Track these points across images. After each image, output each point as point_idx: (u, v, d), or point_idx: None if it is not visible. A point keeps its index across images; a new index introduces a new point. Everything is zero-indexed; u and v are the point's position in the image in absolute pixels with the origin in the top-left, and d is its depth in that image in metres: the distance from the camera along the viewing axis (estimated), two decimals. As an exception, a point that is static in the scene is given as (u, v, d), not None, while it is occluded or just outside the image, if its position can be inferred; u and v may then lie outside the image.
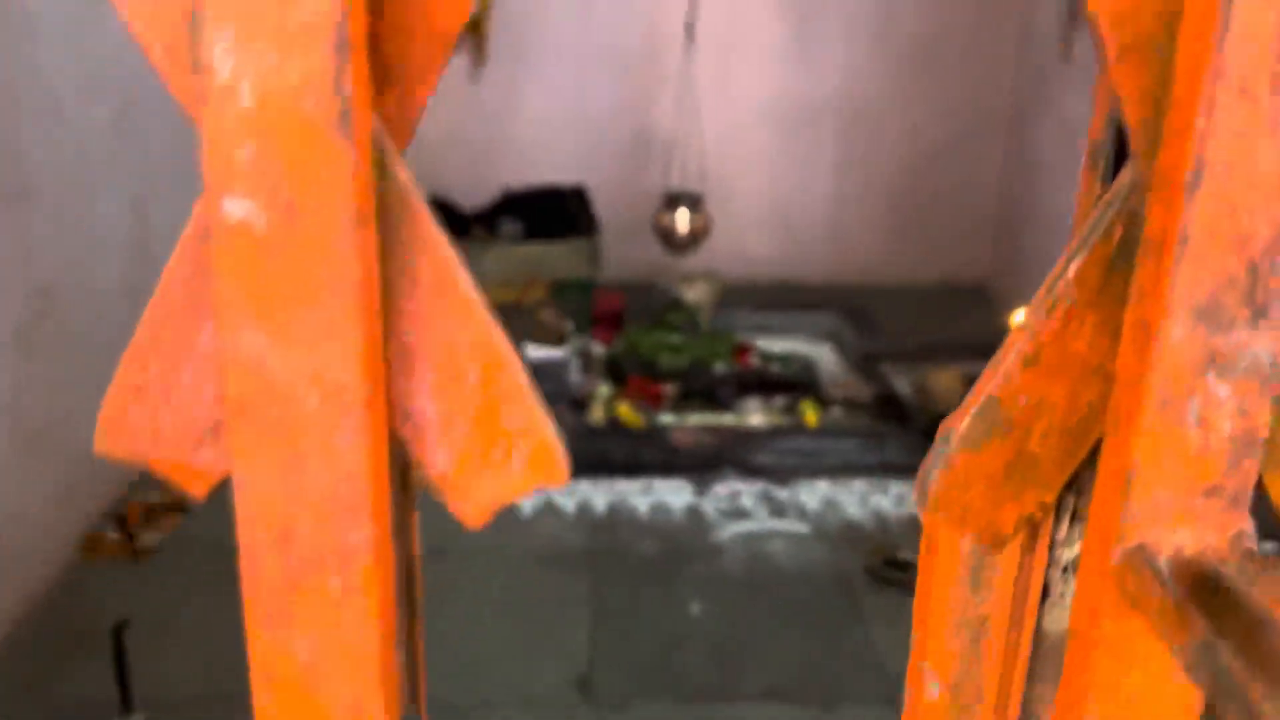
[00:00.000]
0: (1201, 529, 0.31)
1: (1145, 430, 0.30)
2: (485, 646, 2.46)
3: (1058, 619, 0.40)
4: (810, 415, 3.26)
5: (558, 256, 4.61)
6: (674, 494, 3.08)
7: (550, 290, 4.61)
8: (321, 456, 0.29)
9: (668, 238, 3.73)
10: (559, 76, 4.79)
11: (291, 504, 0.30)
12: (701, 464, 3.21)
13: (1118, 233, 0.31)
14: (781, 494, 3.10)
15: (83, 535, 2.73)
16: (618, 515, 2.99)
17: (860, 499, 3.07)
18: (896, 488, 3.12)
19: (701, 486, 3.12)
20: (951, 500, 0.35)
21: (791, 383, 3.66)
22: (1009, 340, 0.34)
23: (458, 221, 4.82)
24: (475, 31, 4.71)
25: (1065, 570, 0.39)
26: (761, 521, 2.97)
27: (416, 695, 0.38)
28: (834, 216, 4.97)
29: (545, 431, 0.32)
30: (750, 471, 3.20)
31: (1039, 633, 0.39)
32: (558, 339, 3.78)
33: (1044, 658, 0.41)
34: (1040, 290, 0.33)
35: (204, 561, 2.70)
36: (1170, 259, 0.28)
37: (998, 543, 0.36)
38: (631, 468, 3.19)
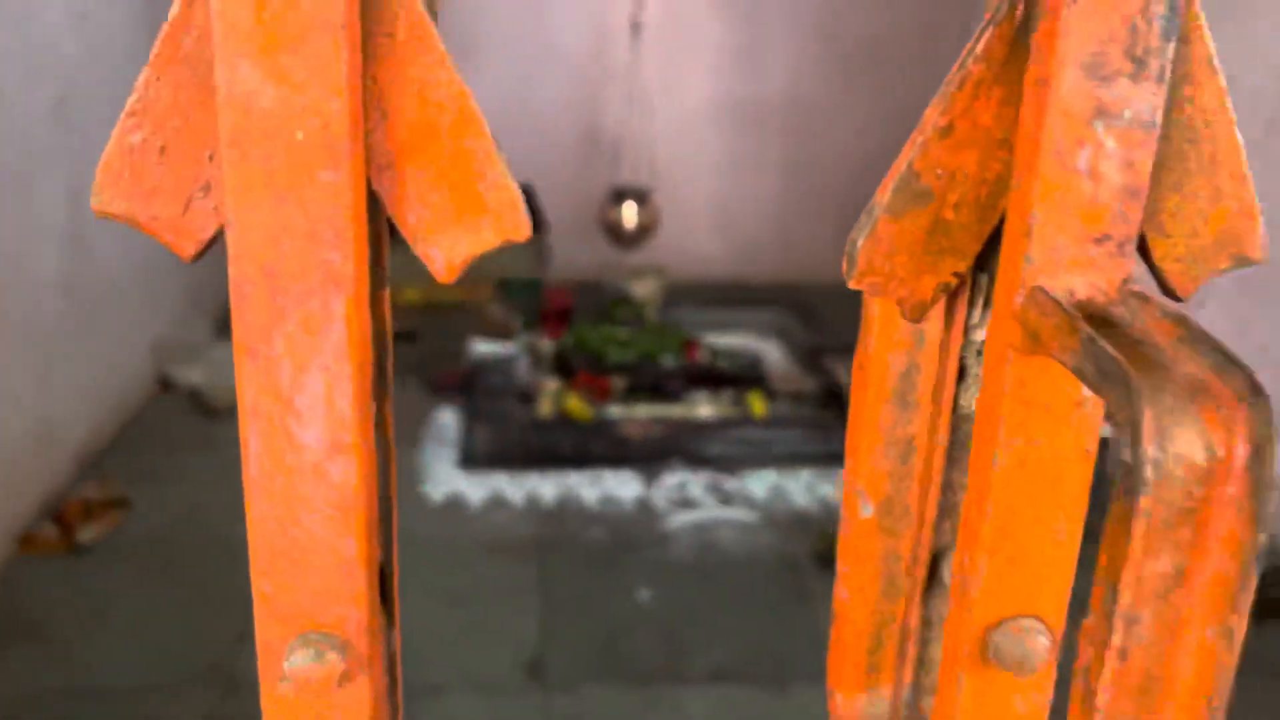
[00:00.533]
0: (1093, 274, 0.35)
1: (1042, 179, 0.34)
2: (434, 634, 2.46)
3: (972, 398, 0.44)
4: (757, 406, 3.32)
5: (505, 255, 4.62)
6: (623, 485, 3.11)
7: (498, 289, 4.63)
8: (308, 187, 0.32)
9: (615, 232, 3.77)
10: (506, 73, 4.82)
11: (280, 235, 0.33)
12: (650, 455, 3.25)
13: (1020, 9, 0.35)
14: (729, 483, 3.14)
15: (20, 532, 2.68)
16: (567, 506, 3.01)
17: (806, 488, 3.12)
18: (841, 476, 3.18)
19: (650, 477, 3.16)
20: (876, 268, 0.38)
21: (739, 376, 3.71)
22: (926, 115, 0.38)
23: (404, 225, 4.81)
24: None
25: (979, 353, 0.43)
26: (709, 510, 3.00)
27: (388, 454, 0.41)
28: (780, 216, 5.06)
29: (510, 187, 0.36)
30: (698, 462, 3.24)
31: (956, 415, 0.43)
32: (506, 334, 3.79)
33: (961, 442, 0.45)
34: (954, 66, 0.37)
35: (143, 557, 2.67)
36: (1060, 19, 0.33)
37: (919, 309, 0.40)
38: (580, 459, 3.21)
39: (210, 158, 0.34)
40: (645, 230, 3.77)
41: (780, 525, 2.94)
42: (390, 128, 0.34)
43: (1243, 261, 0.40)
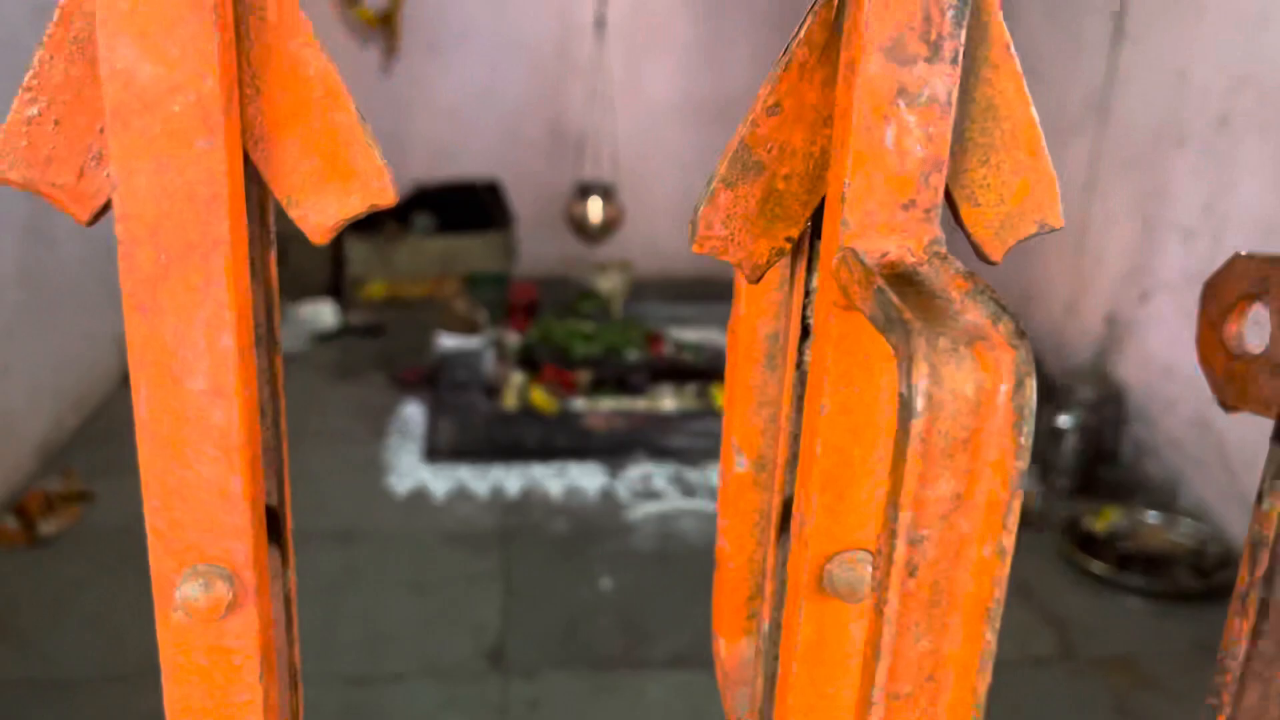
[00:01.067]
0: (902, 237, 0.39)
1: (854, 152, 0.38)
2: (396, 622, 2.49)
3: (812, 351, 0.48)
4: (721, 399, 3.36)
5: (471, 250, 4.66)
6: (587, 476, 3.15)
7: (464, 283, 4.65)
8: (186, 156, 0.36)
9: (580, 227, 3.81)
10: (471, 69, 4.85)
11: (161, 201, 0.36)
12: (614, 447, 3.29)
13: (837, -1, 0.40)
14: (692, 475, 3.19)
15: (-19, 524, 2.69)
16: (530, 497, 3.04)
17: (766, 478, 3.17)
18: (801, 467, 3.24)
19: (614, 469, 3.20)
20: (715, 233, 0.43)
21: (702, 369, 3.76)
22: (758, 94, 0.42)
23: (369, 217, 4.82)
24: (386, 23, 4.75)
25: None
26: (672, 501, 3.05)
27: (278, 406, 0.44)
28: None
29: (375, 157, 0.39)
30: (662, 453, 3.28)
31: (800, 370, 0.47)
32: (471, 329, 3.82)
33: (804, 395, 0.49)
34: (782, 49, 0.41)
35: (104, 549, 2.68)
36: (863, 8, 0.37)
37: (756, 271, 0.44)
38: (545, 452, 3.25)
39: (100, 129, 0.38)
40: (610, 225, 3.81)
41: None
42: (264, 102, 0.38)
43: (1045, 227, 0.45)
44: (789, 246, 0.43)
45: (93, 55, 0.37)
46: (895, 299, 0.35)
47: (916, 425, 0.34)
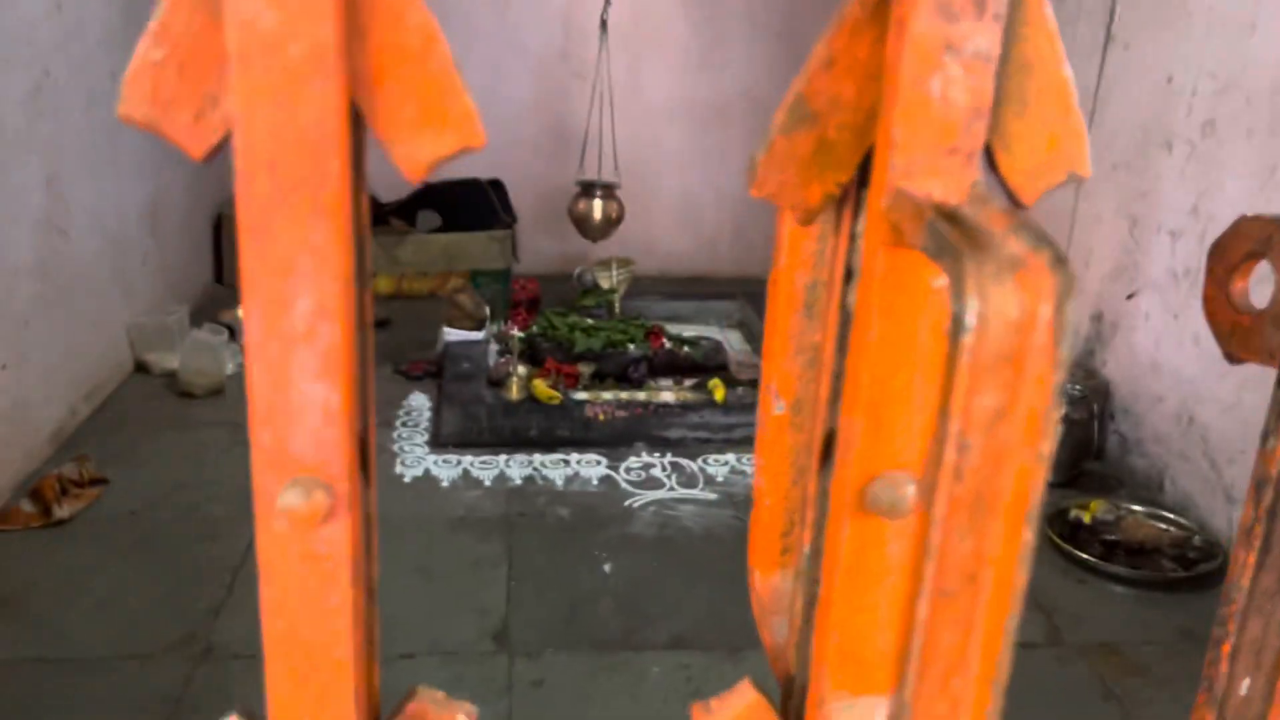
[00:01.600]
0: (946, 180, 0.43)
1: (902, 101, 0.42)
2: (405, 605, 2.52)
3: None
4: (719, 392, 3.40)
5: (475, 247, 4.69)
6: (588, 466, 3.18)
7: (468, 279, 4.68)
8: (303, 98, 0.40)
9: (583, 224, 3.85)
10: (474, 69, 4.88)
11: (278, 138, 0.40)
12: (615, 438, 3.32)
13: (888, -41, 0.44)
14: (691, 465, 3.23)
15: (-6, 507, 2.72)
16: (534, 485, 3.08)
17: (767, 469, 3.21)
18: (801, 459, 3.28)
19: (615, 459, 3.23)
20: (771, 179, 0.46)
21: (701, 364, 3.80)
22: (814, 49, 0.46)
23: (375, 214, 4.86)
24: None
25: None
26: (672, 490, 3.09)
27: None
28: (741, 212, 5.15)
29: (468, 103, 0.43)
30: (662, 444, 3.32)
31: (843, 311, 0.51)
32: (476, 323, 3.85)
33: (847, 335, 0.53)
34: (837, 9, 0.45)
35: (119, 533, 2.71)
36: (914, -31, 0.41)
37: (809, 215, 0.48)
38: (547, 442, 3.28)
39: (218, 76, 0.42)
40: (612, 222, 3.84)
41: (738, 504, 3.03)
42: (369, 49, 0.42)
43: (1075, 177, 0.49)
44: (838, 192, 0.47)
45: (214, 6, 0.41)
46: (948, 230, 0.39)
47: (966, 341, 0.38)
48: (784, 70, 4.97)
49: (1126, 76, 3.35)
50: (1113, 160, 3.40)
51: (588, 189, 3.82)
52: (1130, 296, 3.30)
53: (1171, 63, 3.12)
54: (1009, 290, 0.38)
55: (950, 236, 0.39)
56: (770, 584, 0.62)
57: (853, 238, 0.51)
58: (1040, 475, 0.41)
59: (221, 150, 0.44)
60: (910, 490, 0.47)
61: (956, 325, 0.38)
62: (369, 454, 0.51)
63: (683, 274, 5.15)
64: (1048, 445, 0.41)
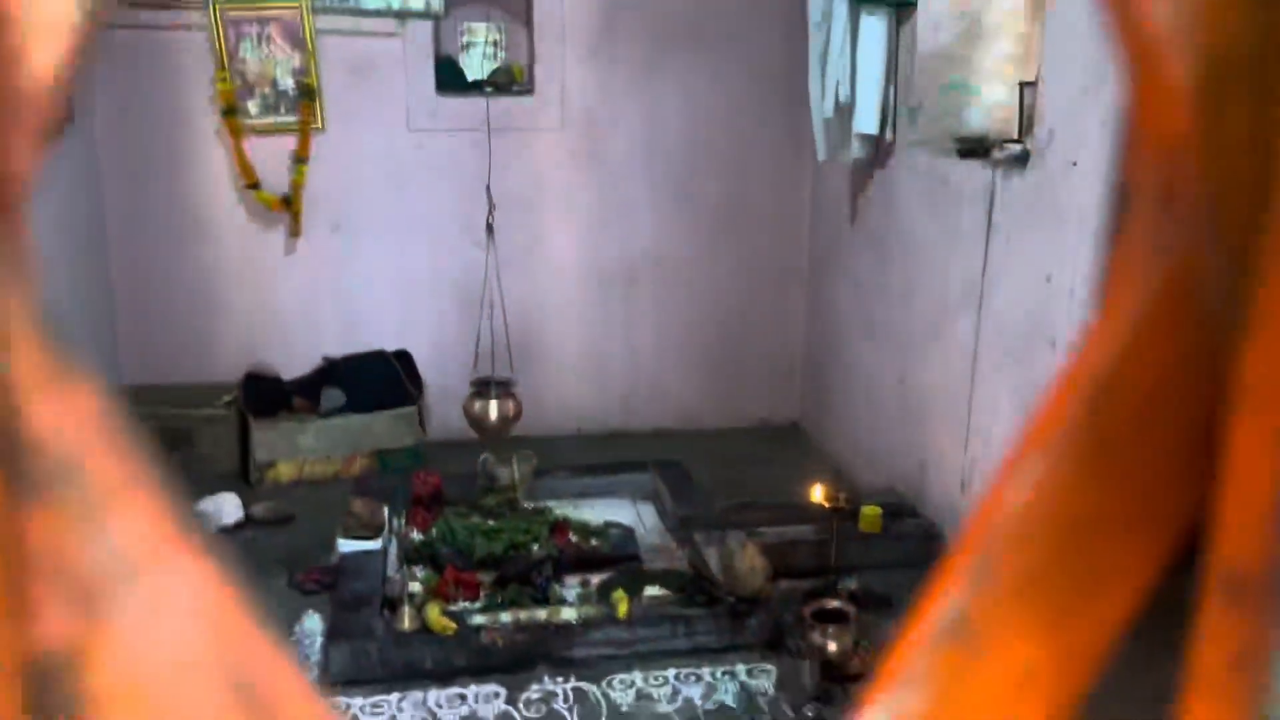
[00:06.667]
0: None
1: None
2: None
3: None
4: (622, 607, 3.32)
5: (380, 427, 4.60)
6: (486, 702, 3.08)
7: (373, 460, 4.59)
8: None
9: (479, 426, 3.78)
10: (376, 245, 4.84)
11: None
12: (516, 661, 3.22)
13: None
14: (595, 691, 3.13)
15: None
16: (426, 734, 2.96)
17: (671, 692, 3.13)
18: (708, 673, 3.21)
19: (514, 688, 3.13)
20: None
21: (611, 557, 3.72)
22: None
23: (279, 394, 4.76)
24: (287, 206, 4.73)
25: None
26: (572, 728, 2.99)
27: None
28: (655, 367, 5.13)
29: None
30: (565, 666, 3.23)
31: None
32: (374, 531, 3.75)
33: None
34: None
35: None
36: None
37: None
38: (444, 674, 3.18)
39: None
40: (509, 422, 3.78)
41: (642, 741, 2.94)
42: None
43: None
44: None
45: None
46: None
47: None
48: (685, 229, 4.99)
49: (1009, 268, 3.36)
50: (1004, 348, 3.40)
51: (482, 388, 3.76)
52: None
53: (1050, 262, 3.13)
54: None
55: None
56: None
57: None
58: None
59: None
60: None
61: None
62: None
63: (597, 431, 5.10)
64: None
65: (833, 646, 3.13)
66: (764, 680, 3.18)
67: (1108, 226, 0.29)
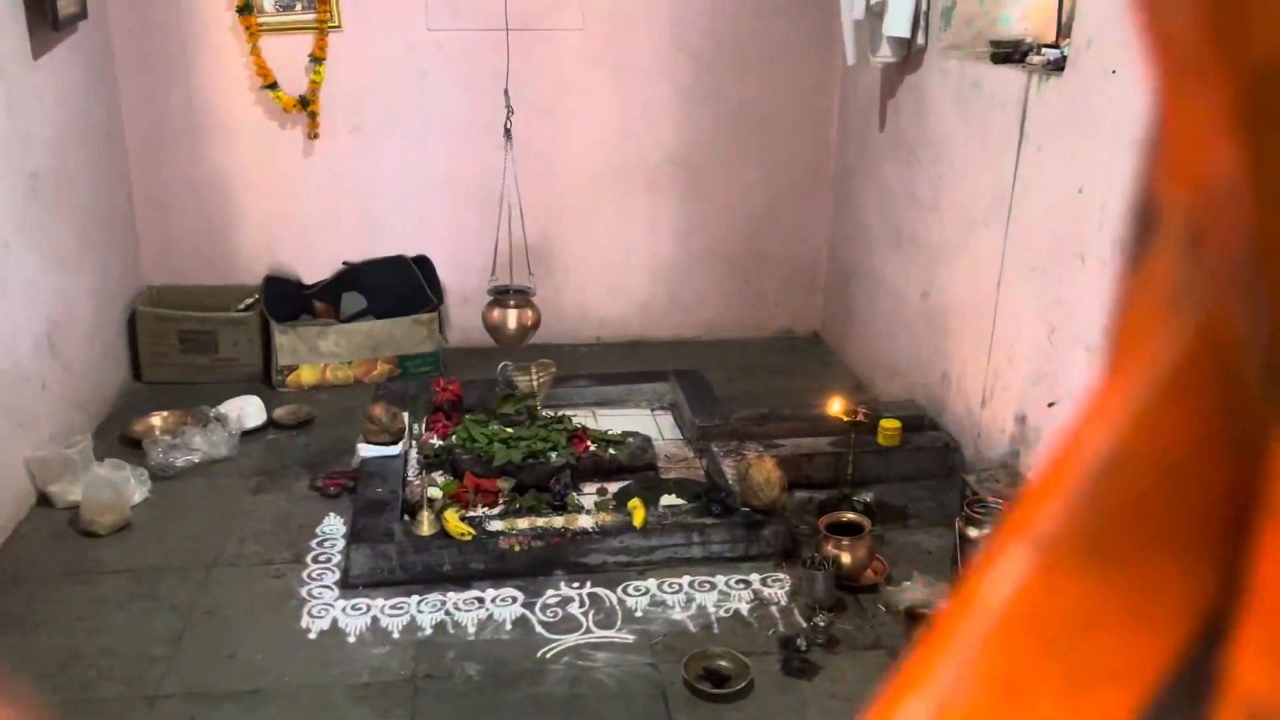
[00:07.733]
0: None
1: None
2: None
3: None
4: (638, 516, 3.35)
5: (401, 332, 4.60)
6: (503, 606, 3.13)
7: (395, 365, 4.60)
8: None
9: (497, 334, 3.76)
10: (394, 148, 4.76)
11: None
12: (533, 567, 3.27)
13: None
14: (610, 597, 3.18)
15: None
16: (445, 634, 3.02)
17: (685, 599, 3.17)
18: (721, 582, 3.25)
19: (532, 594, 3.18)
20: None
21: (628, 467, 3.74)
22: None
23: (299, 299, 4.76)
24: (304, 108, 4.65)
25: None
26: (589, 632, 3.04)
27: None
28: (675, 276, 5.07)
29: None
30: (581, 572, 3.27)
31: None
32: (393, 436, 3.78)
33: None
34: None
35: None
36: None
37: None
38: (462, 578, 3.23)
39: None
40: (527, 331, 3.76)
41: (655, 647, 2.98)
42: None
43: None
44: None
45: None
46: None
47: None
48: (709, 133, 4.87)
49: (1040, 179, 3.27)
50: (1030, 262, 3.33)
51: (500, 297, 3.73)
52: (1051, 405, 3.25)
53: (1082, 173, 3.03)
54: None
55: None
56: None
57: None
58: None
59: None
60: None
61: None
62: None
63: (616, 340, 5.08)
64: None
65: (847, 558, 3.16)
66: (777, 589, 3.21)
67: (1125, 254, 0.24)
